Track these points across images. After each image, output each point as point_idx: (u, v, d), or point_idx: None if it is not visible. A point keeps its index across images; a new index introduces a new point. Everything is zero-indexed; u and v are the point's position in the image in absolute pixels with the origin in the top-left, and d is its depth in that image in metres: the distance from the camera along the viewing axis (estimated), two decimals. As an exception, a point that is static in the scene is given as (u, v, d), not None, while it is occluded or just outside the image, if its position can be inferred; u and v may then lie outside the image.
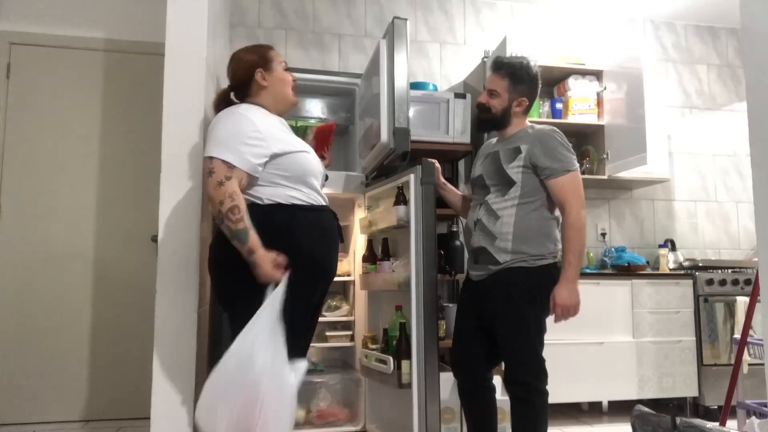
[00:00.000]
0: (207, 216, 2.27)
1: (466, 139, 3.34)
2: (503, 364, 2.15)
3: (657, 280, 3.44)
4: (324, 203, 1.91)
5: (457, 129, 3.32)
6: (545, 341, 2.79)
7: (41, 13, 3.28)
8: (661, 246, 3.83)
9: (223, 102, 2.00)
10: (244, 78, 1.96)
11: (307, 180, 1.84)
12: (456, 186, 3.63)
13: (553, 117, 3.76)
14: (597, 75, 3.77)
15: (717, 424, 1.93)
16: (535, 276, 2.04)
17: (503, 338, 2.05)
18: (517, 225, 2.05)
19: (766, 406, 2.47)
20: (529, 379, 2.02)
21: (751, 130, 1.17)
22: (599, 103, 3.73)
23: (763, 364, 2.60)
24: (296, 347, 1.70)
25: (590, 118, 3.70)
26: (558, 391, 3.21)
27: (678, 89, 4.23)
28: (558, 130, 2.11)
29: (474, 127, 2.64)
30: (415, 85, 3.45)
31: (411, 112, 3.27)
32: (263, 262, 1.64)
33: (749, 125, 1.18)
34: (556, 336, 3.26)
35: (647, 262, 3.65)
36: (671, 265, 3.76)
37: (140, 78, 3.34)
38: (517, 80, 2.13)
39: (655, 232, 4.05)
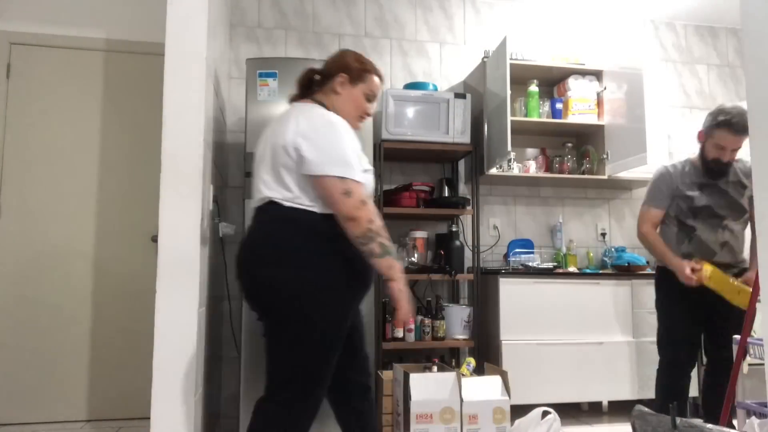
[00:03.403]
0: (207, 216, 2.27)
1: (466, 139, 3.35)
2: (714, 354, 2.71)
3: (657, 280, 3.44)
4: None
5: (457, 129, 3.32)
6: (547, 341, 3.25)
7: (41, 13, 3.29)
8: (661, 246, 3.83)
9: (306, 82, 1.94)
10: (329, 72, 1.92)
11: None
12: (457, 186, 3.65)
13: (553, 117, 3.76)
14: (597, 75, 3.77)
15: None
16: None
17: (729, 333, 2.63)
18: (744, 242, 2.72)
19: (766, 406, 2.47)
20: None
21: (751, 130, 1.17)
22: (599, 103, 3.73)
23: (763, 364, 2.60)
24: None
25: (590, 118, 3.70)
26: (558, 391, 3.22)
27: (678, 89, 4.23)
28: None
29: (706, 175, 2.69)
30: (415, 85, 3.45)
31: (411, 112, 3.29)
32: (399, 277, 1.68)
33: (749, 125, 1.18)
34: (557, 336, 3.27)
35: (647, 262, 3.64)
36: (671, 265, 3.75)
37: (140, 78, 3.35)
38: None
39: (655, 232, 4.04)
